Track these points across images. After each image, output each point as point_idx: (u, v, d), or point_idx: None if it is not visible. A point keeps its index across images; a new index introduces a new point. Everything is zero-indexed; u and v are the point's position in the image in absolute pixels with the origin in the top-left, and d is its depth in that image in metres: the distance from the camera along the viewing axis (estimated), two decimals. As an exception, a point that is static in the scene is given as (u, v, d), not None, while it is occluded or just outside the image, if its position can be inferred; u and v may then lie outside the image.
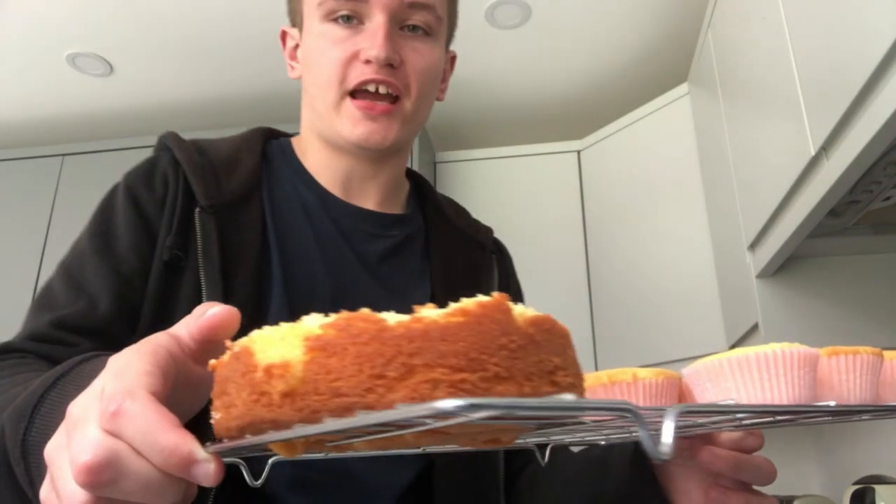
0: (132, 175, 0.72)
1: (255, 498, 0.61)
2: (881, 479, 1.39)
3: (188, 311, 0.62)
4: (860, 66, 0.92)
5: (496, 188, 2.55)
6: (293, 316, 0.34)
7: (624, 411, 0.26)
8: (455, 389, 0.25)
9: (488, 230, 0.92)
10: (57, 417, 0.38)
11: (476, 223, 0.91)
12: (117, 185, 0.72)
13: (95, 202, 0.72)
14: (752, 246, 1.55)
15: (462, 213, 0.91)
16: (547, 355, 0.28)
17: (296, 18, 0.80)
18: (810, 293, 1.48)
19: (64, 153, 2.74)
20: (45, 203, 2.65)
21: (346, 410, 0.26)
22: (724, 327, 1.87)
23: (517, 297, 0.91)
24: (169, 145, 0.73)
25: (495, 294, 0.28)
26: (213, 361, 0.34)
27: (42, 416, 0.41)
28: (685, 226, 2.08)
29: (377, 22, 0.71)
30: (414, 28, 0.74)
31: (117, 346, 0.63)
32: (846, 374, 0.50)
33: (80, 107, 2.65)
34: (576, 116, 2.72)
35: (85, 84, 2.50)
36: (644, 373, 0.51)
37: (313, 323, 0.29)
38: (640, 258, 2.20)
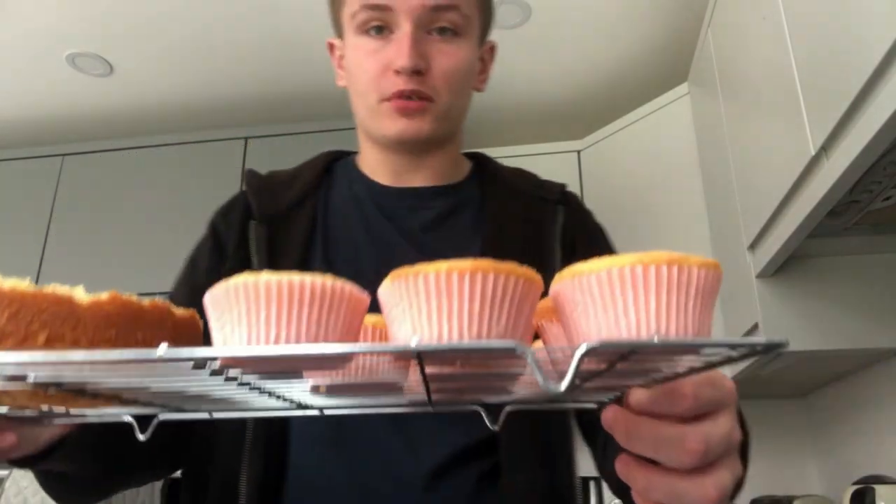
0: (217, 210, 0.85)
1: (285, 467, 0.67)
2: (881, 479, 1.39)
3: None
4: (860, 66, 0.92)
5: (496, 188, 2.54)
6: None
7: (509, 350, 0.25)
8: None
9: (554, 186, 0.90)
10: None
11: (541, 181, 0.91)
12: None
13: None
14: (752, 246, 1.55)
15: (526, 175, 0.92)
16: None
17: (339, 30, 0.85)
18: (810, 293, 1.48)
19: (64, 153, 2.74)
20: (45, 203, 2.65)
21: None
22: (725, 327, 1.87)
23: (592, 240, 0.86)
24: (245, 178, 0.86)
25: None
26: None
27: None
28: (685, 226, 2.08)
29: (403, 31, 0.75)
30: (442, 30, 0.77)
31: None
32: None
33: (80, 107, 2.65)
34: (576, 116, 2.72)
35: (85, 84, 2.50)
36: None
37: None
38: (640, 258, 2.20)
